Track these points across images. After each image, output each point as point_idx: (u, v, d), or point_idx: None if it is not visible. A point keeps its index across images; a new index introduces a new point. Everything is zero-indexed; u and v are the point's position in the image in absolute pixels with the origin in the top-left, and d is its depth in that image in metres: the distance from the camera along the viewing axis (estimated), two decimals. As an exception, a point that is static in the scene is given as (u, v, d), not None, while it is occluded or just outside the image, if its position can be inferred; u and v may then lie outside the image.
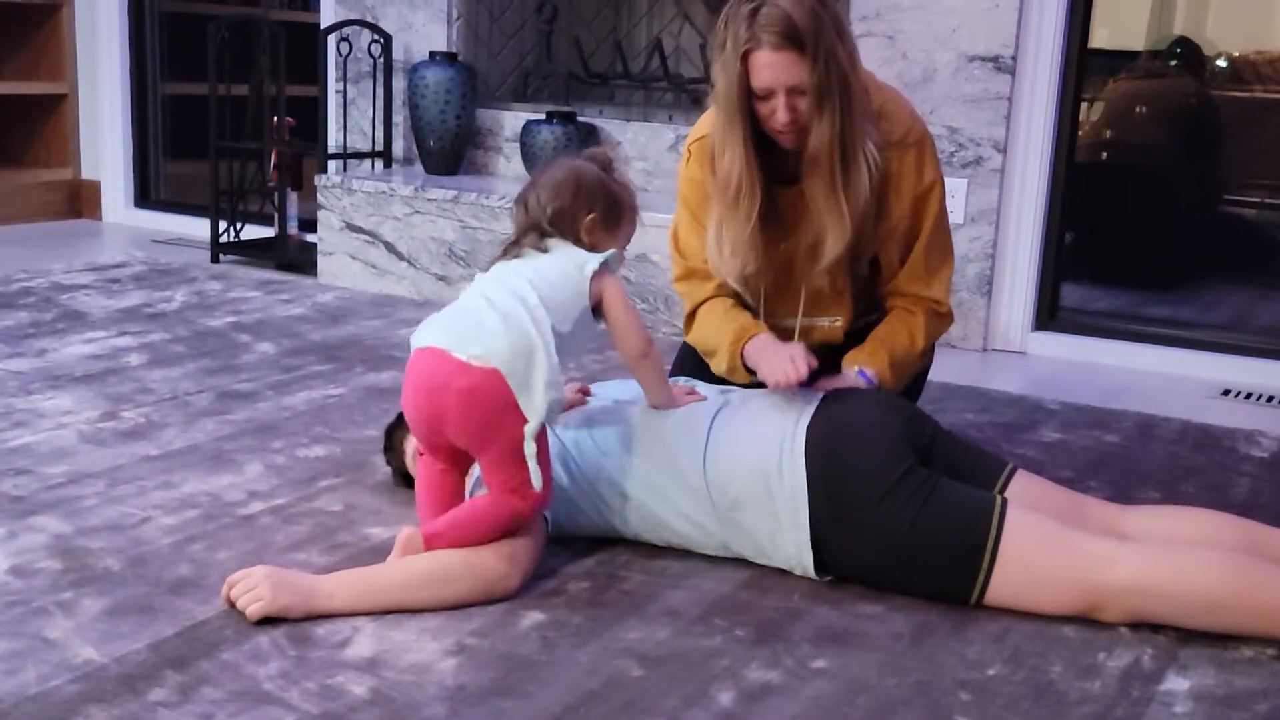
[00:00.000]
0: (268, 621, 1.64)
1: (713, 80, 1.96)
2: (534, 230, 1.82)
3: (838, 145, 1.93)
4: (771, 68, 1.88)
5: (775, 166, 2.01)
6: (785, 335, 2.11)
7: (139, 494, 2.09)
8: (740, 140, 1.95)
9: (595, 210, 1.83)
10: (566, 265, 1.79)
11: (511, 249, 1.84)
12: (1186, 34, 4.21)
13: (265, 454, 2.32)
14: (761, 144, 1.98)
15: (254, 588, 1.65)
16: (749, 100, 1.92)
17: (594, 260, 1.80)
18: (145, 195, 5.06)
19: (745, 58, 1.89)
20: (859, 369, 2.03)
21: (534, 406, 1.69)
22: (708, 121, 2.06)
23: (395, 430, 2.10)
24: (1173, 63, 4.23)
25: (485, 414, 1.68)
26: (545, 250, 1.81)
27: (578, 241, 1.82)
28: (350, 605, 1.68)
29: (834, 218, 1.98)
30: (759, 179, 1.97)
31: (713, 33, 1.95)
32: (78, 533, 1.92)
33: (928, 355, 2.17)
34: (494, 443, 1.69)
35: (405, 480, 2.10)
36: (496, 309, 1.73)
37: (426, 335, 1.75)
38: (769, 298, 2.13)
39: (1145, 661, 1.64)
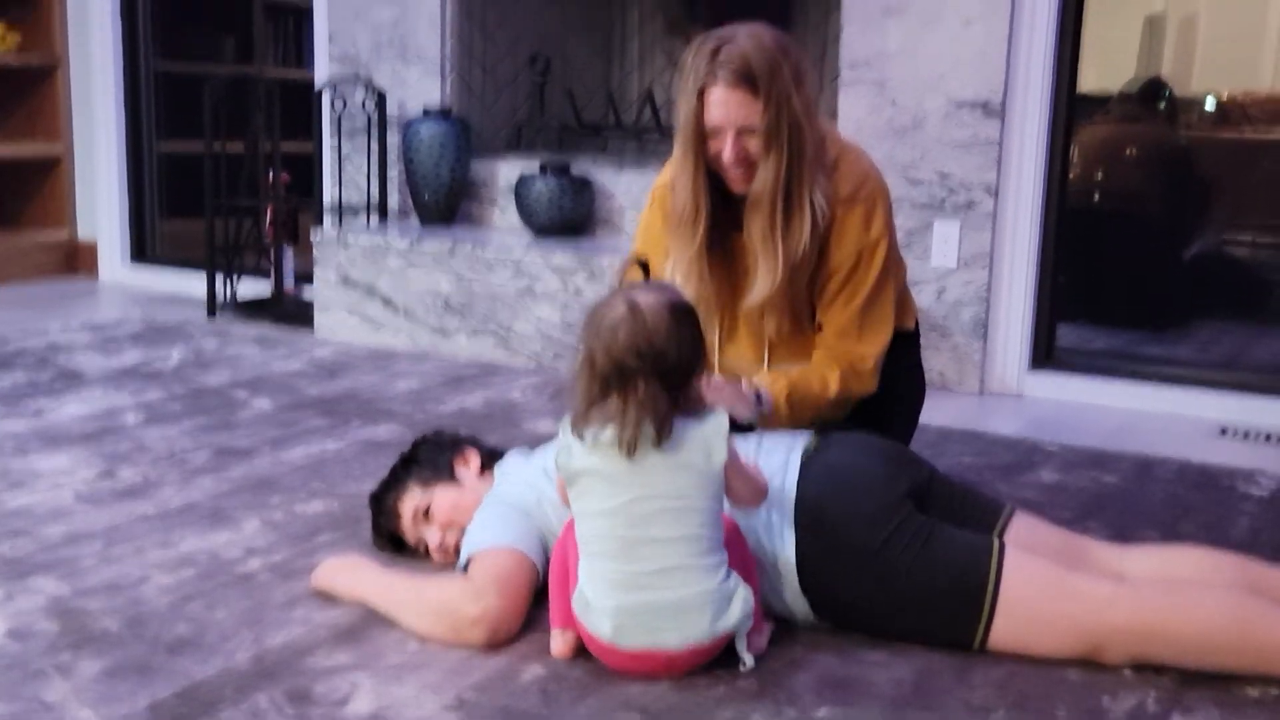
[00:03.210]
0: (266, 679, 1.64)
1: (675, 114, 2.03)
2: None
3: (781, 189, 1.97)
4: (723, 105, 1.94)
5: (733, 216, 2.05)
6: None
7: (136, 553, 2.08)
8: (692, 172, 2.02)
9: None
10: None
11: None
12: (1173, 76, 4.24)
13: (263, 510, 2.32)
14: (719, 187, 2.04)
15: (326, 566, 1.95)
16: (703, 136, 1.99)
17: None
18: (142, 253, 5.08)
19: (701, 94, 1.95)
20: (758, 388, 2.01)
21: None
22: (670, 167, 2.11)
23: (385, 495, 2.08)
24: (1161, 105, 4.27)
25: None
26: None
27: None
28: (360, 599, 1.87)
29: (767, 259, 2.01)
30: (706, 205, 2.03)
31: (678, 69, 2.01)
32: (75, 593, 1.91)
33: (839, 408, 2.10)
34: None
35: (394, 545, 2.09)
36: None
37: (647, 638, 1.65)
38: (727, 342, 2.16)
39: (1149, 704, 1.63)
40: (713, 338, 2.17)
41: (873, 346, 2.10)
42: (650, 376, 1.61)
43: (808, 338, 2.13)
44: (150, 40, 4.99)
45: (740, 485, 1.72)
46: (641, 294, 1.66)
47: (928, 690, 1.66)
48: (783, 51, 1.95)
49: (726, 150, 1.97)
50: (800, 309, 2.11)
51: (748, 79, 1.92)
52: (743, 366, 2.17)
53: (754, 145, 1.96)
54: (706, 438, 1.65)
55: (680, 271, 2.07)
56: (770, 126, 1.94)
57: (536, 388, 3.39)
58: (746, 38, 1.95)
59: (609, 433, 1.62)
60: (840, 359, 2.09)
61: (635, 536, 1.63)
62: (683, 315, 1.66)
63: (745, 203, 2.03)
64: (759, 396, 2.00)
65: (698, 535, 1.64)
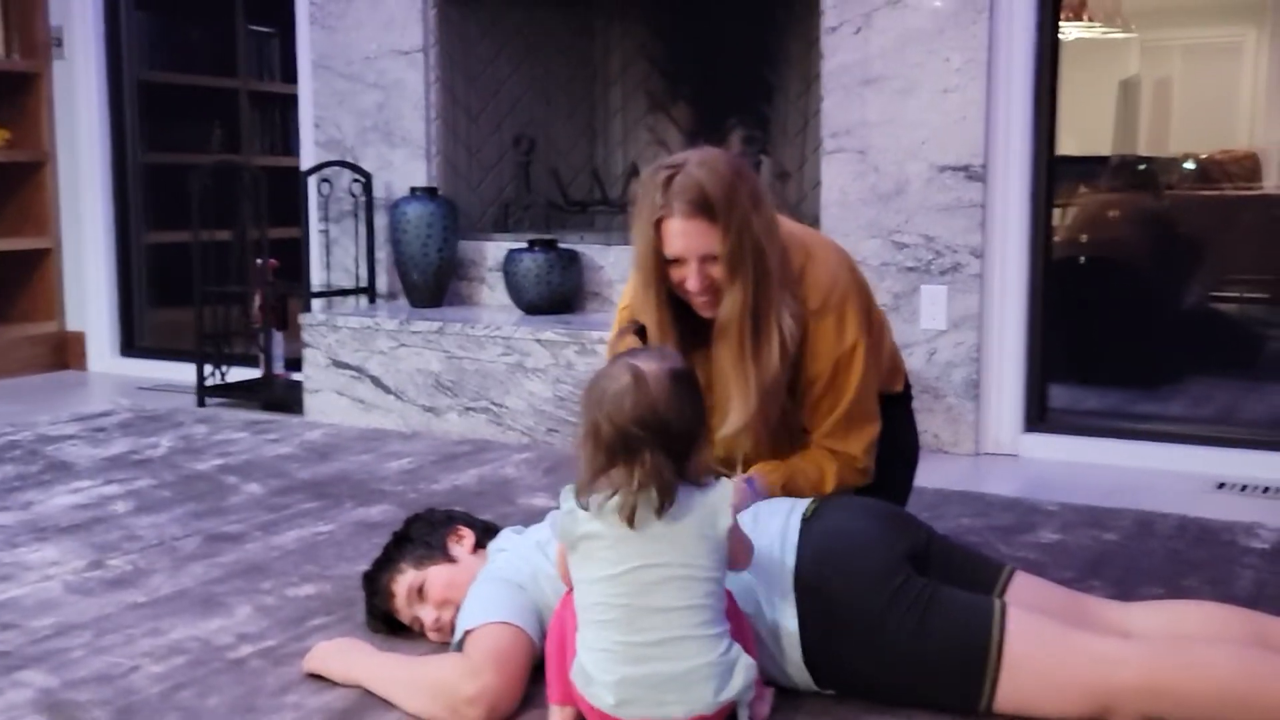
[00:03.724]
0: (260, 767, 1.60)
1: (632, 243, 1.98)
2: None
3: (749, 315, 1.93)
4: (683, 236, 1.89)
5: (695, 330, 2.01)
6: None
7: (127, 643, 2.05)
8: (655, 304, 1.97)
9: None
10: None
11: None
12: (1150, 138, 4.31)
13: (254, 595, 2.28)
14: (682, 308, 1.99)
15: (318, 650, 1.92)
16: (663, 266, 1.94)
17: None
18: (130, 343, 5.07)
19: (658, 225, 1.91)
20: (749, 476, 1.99)
21: None
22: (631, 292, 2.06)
23: (379, 575, 2.06)
24: (1142, 167, 4.32)
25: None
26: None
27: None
28: (354, 682, 1.84)
29: (739, 389, 1.96)
30: (675, 341, 1.98)
31: (631, 197, 1.97)
32: (65, 686, 1.87)
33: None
34: None
35: (388, 625, 2.06)
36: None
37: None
38: None
39: (1162, 763, 1.60)
40: None
41: (862, 444, 2.08)
42: (655, 446, 1.60)
43: (784, 454, 2.09)
44: (137, 133, 5.03)
45: (738, 550, 1.70)
46: (644, 362, 1.65)
47: (936, 756, 1.63)
48: (736, 174, 1.91)
49: (691, 279, 1.92)
50: (776, 427, 2.05)
51: (704, 208, 1.88)
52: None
53: (718, 271, 1.92)
54: (712, 505, 1.63)
55: None
56: (732, 252, 1.89)
57: (530, 463, 3.37)
58: (698, 165, 1.90)
59: (614, 499, 1.61)
60: (835, 456, 2.08)
61: (639, 605, 1.60)
62: (684, 383, 1.65)
63: (712, 326, 1.99)
64: (752, 487, 1.97)
65: (702, 605, 1.61)
